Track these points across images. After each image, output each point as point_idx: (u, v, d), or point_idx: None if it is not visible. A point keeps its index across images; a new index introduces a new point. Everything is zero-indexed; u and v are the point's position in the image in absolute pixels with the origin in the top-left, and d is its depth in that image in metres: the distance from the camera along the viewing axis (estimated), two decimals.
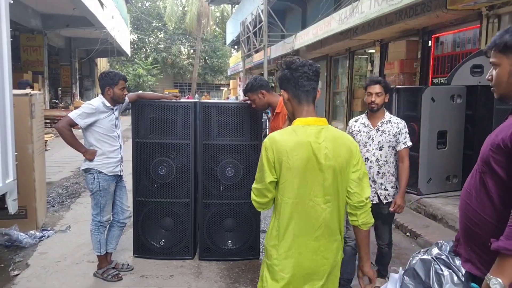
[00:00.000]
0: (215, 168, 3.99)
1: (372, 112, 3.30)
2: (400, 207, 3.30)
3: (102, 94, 3.63)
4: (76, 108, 17.11)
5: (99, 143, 3.58)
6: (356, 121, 3.42)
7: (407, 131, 3.29)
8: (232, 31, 25.20)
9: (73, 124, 3.49)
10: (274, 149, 1.83)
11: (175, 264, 4.02)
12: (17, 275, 3.75)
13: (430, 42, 8.51)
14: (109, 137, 3.62)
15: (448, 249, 3.05)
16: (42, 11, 14.90)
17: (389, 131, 3.25)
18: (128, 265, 3.95)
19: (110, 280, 3.67)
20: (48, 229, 4.91)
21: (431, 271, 2.94)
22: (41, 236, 4.65)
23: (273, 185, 1.88)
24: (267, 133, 9.48)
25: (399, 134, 3.25)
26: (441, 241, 3.07)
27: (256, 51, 16.62)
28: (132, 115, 4.02)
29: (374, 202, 3.26)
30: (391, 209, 3.31)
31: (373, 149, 3.27)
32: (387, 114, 3.34)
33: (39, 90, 14.71)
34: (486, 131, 5.33)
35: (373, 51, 11.14)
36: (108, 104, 3.60)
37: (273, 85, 21.94)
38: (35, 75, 15.17)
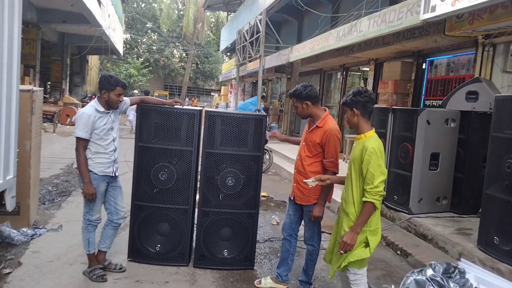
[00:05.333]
0: (216, 177, 4.02)
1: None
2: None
3: (99, 96, 3.70)
4: (65, 104, 16.81)
5: (91, 144, 3.62)
6: None
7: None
8: (226, 38, 25.29)
9: (85, 143, 3.57)
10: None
11: (170, 270, 4.02)
12: (9, 273, 3.69)
13: (424, 64, 8.74)
14: (103, 140, 3.66)
15: (441, 271, 3.15)
16: (38, 4, 14.76)
17: None
18: (121, 266, 3.95)
19: (95, 280, 3.68)
20: (40, 227, 4.85)
21: None
22: (33, 234, 4.60)
23: None
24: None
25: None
26: (434, 262, 3.17)
27: (250, 60, 16.72)
28: (136, 119, 4.03)
29: None
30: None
31: None
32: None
33: (30, 83, 14.52)
34: (478, 155, 5.53)
35: (367, 69, 11.36)
36: (102, 109, 3.65)
37: (264, 94, 22.14)
38: (26, 69, 14.99)
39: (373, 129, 2.93)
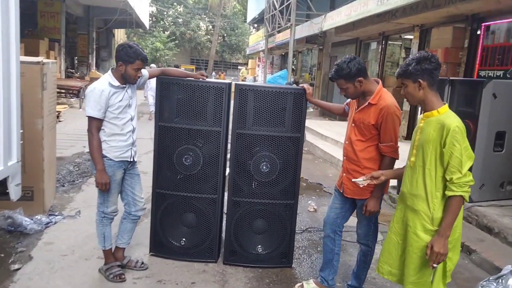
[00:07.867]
0: (248, 162, 3.44)
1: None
2: None
3: (114, 68, 3.13)
4: (92, 79, 16.57)
5: (105, 125, 3.09)
6: None
7: None
8: (254, 8, 24.32)
9: (98, 124, 3.04)
10: None
11: (197, 267, 3.52)
12: (17, 269, 3.28)
13: (479, 30, 7.75)
14: (119, 119, 3.11)
15: None
16: None
17: None
18: (142, 263, 3.48)
19: (112, 280, 3.23)
20: (56, 213, 4.45)
21: None
22: (48, 222, 4.19)
23: None
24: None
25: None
26: None
27: (279, 31, 15.85)
28: (156, 94, 3.47)
29: None
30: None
31: None
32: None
33: (55, 58, 14.23)
34: None
35: (410, 36, 10.37)
36: (117, 83, 3.07)
37: (293, 67, 21.17)
38: (51, 43, 14.68)
39: (446, 104, 2.26)
